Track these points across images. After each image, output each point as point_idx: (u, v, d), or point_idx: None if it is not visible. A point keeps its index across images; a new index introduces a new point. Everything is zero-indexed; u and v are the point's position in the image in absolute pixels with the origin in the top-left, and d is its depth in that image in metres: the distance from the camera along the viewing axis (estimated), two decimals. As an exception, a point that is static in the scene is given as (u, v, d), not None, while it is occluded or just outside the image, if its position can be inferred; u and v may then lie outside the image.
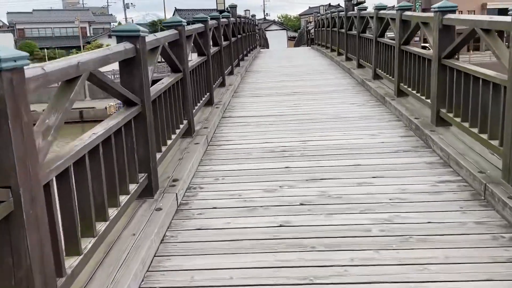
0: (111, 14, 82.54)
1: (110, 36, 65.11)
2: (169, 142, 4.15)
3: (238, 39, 11.61)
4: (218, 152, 4.84)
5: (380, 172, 3.97)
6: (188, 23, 5.45)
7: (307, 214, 3.22)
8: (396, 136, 5.05)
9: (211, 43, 6.77)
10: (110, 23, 77.26)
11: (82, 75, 2.32)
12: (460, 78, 4.36)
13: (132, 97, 3.15)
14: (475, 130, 3.96)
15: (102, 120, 2.91)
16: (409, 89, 6.04)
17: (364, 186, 3.70)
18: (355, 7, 11.23)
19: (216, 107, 6.51)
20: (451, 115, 4.58)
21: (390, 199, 3.38)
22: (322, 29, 17.29)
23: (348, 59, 11.37)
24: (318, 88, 8.41)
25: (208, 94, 6.56)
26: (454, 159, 3.93)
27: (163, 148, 3.93)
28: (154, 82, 3.78)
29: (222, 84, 8.23)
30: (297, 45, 37.72)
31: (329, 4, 76.46)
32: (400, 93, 6.46)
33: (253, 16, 20.87)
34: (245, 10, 19.99)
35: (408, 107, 5.83)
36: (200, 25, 6.43)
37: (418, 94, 5.63)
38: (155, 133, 3.53)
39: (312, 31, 25.05)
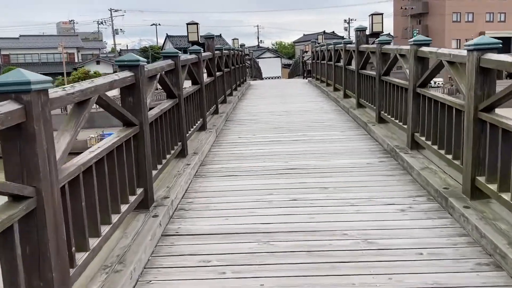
0: (101, 40, 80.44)
1: (98, 63, 63.19)
2: None
3: (216, 79, 8.90)
4: None
5: None
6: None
7: None
8: None
9: (147, 103, 3.97)
10: (99, 49, 75.30)
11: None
12: None
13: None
14: None
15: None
16: (505, 196, 3.27)
17: None
18: (369, 39, 8.61)
19: (154, 216, 3.67)
20: None
21: None
22: (322, 62, 14.71)
23: (360, 105, 8.67)
24: (325, 159, 5.63)
25: (141, 190, 3.77)
26: None
27: None
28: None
29: (181, 154, 5.45)
30: (291, 75, 35.32)
31: (324, 31, 75.23)
32: (479, 193, 3.69)
33: (242, 46, 18.32)
34: (233, 39, 17.43)
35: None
36: (127, 73, 3.66)
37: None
38: None
39: (309, 61, 22.54)
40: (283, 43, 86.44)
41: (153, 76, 4.45)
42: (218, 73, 9.76)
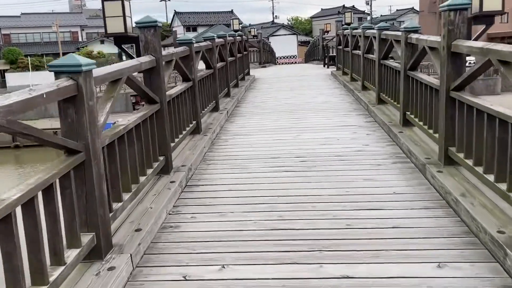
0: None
1: (102, 42, 58.98)
2: None
3: (168, 106, 4.59)
4: None
5: None
6: None
7: None
8: None
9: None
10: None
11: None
12: None
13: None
14: None
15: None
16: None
17: None
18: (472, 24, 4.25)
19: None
20: None
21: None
22: (354, 52, 10.31)
23: (451, 161, 4.33)
24: None
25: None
26: None
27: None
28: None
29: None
30: (308, 58, 30.68)
31: (343, 5, 69.52)
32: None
33: (245, 27, 13.93)
34: (232, 19, 13.30)
35: None
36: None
37: None
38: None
39: (333, 46, 17.98)
40: (300, 19, 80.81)
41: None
42: (181, 86, 5.50)
